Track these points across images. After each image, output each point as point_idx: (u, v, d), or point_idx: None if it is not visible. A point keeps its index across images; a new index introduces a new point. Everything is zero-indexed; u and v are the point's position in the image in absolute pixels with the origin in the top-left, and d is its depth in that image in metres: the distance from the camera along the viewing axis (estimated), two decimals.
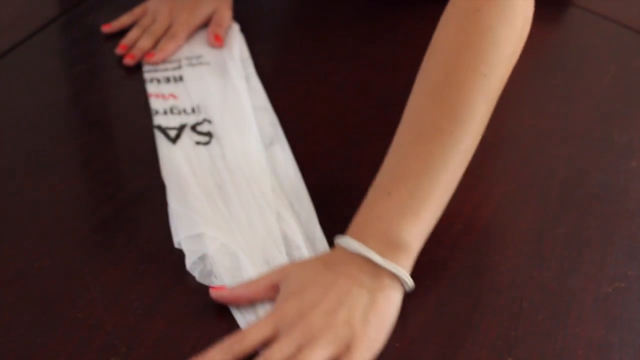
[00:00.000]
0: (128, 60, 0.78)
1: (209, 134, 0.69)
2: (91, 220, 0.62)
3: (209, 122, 0.70)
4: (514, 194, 0.66)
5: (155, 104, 0.73)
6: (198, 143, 0.68)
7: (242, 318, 0.54)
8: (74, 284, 0.56)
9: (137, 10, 0.84)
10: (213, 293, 0.54)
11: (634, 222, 0.63)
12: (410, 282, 0.53)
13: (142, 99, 0.75)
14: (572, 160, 0.69)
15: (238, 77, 0.76)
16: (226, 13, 0.83)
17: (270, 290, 0.54)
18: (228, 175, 0.64)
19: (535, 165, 0.69)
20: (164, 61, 0.78)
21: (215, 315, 0.54)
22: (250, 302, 0.54)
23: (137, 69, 0.78)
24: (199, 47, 0.81)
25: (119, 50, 0.79)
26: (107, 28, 0.83)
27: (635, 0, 0.95)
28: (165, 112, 0.71)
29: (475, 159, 0.68)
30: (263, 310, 0.54)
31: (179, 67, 0.78)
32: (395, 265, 0.52)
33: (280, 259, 0.57)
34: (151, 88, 0.75)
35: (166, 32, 0.81)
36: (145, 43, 0.79)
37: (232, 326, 0.53)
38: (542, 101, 0.78)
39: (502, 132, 0.72)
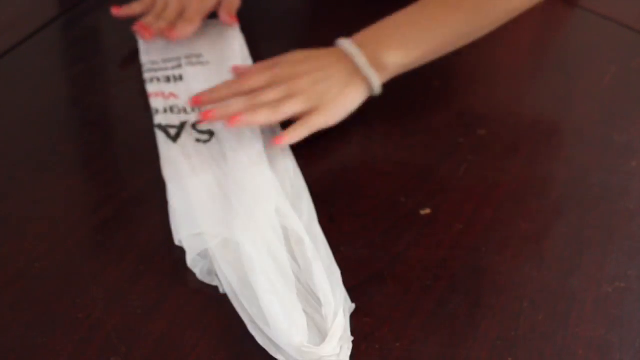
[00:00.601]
0: (145, 34, 0.79)
1: (209, 132, 0.69)
2: (91, 220, 0.62)
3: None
4: (514, 194, 0.66)
5: (155, 103, 0.73)
6: (198, 141, 0.68)
7: (244, 314, 0.54)
8: (74, 284, 0.56)
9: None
10: (232, 67, 0.74)
11: (634, 222, 0.63)
12: (378, 89, 0.70)
13: (142, 99, 0.75)
14: (572, 160, 0.69)
15: None
16: None
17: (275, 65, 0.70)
18: (229, 173, 0.64)
19: (535, 165, 0.69)
20: (178, 39, 0.79)
21: (215, 315, 0.54)
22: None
23: (137, 69, 0.79)
24: (199, 45, 0.81)
25: (136, 27, 0.80)
26: (116, 10, 0.82)
27: (635, 0, 0.95)
28: (165, 111, 0.71)
29: (475, 159, 0.68)
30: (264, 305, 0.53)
31: (179, 66, 0.78)
32: (373, 72, 0.69)
33: (282, 251, 0.57)
34: (151, 87, 0.75)
35: (178, 18, 0.81)
36: (161, 25, 0.80)
37: (232, 326, 0.53)
38: (542, 101, 0.78)
39: (502, 132, 0.72)
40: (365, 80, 0.69)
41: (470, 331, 0.54)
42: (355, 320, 0.54)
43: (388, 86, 0.77)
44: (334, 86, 0.68)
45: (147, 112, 0.72)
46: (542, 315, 0.55)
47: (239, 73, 0.72)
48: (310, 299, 0.54)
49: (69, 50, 0.84)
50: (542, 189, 0.66)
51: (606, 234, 0.62)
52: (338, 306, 0.53)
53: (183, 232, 0.59)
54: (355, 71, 0.69)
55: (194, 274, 0.57)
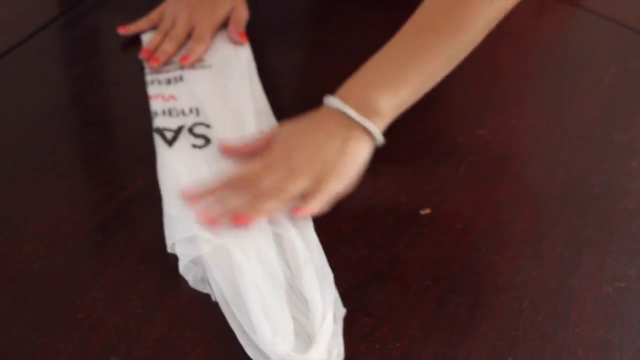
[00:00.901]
0: (153, 64, 0.77)
1: (205, 138, 0.68)
2: (91, 220, 0.62)
3: (207, 126, 0.70)
4: (514, 194, 0.66)
5: (155, 105, 0.72)
6: (194, 146, 0.67)
7: (234, 324, 0.53)
8: (74, 284, 0.56)
9: (153, 16, 0.83)
10: (221, 147, 0.67)
11: (634, 222, 0.63)
12: (379, 137, 0.64)
13: (142, 99, 0.75)
14: (572, 160, 0.69)
15: (241, 80, 0.75)
16: (243, 12, 0.84)
17: (267, 145, 0.65)
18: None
19: (535, 165, 0.69)
20: (191, 64, 0.78)
21: (215, 316, 0.54)
22: (249, 156, 0.65)
23: (137, 69, 0.79)
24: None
25: (142, 56, 0.79)
26: (123, 30, 0.82)
27: (635, 0, 0.95)
28: (164, 113, 0.71)
29: (475, 159, 0.68)
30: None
31: (181, 68, 0.78)
32: (367, 121, 0.63)
33: (273, 257, 0.57)
34: (152, 90, 0.75)
35: (187, 35, 0.81)
36: (168, 47, 0.79)
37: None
38: (542, 101, 0.78)
39: (502, 132, 0.72)
40: (364, 131, 0.64)
41: (470, 331, 0.54)
42: (355, 320, 0.54)
43: None
44: (332, 150, 0.63)
45: (147, 112, 0.72)
46: (542, 315, 0.55)
47: (228, 152, 0.67)
48: (301, 305, 0.54)
49: (69, 50, 0.84)
50: (542, 189, 0.66)
51: (606, 234, 0.62)
52: (327, 309, 0.52)
53: (176, 235, 0.58)
54: (350, 125, 0.64)
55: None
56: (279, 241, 0.59)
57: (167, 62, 0.78)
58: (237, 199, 0.60)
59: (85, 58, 0.82)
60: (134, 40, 0.82)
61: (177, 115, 0.71)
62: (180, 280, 0.57)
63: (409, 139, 0.71)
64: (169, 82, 0.76)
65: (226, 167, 0.65)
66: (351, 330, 0.53)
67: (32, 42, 0.82)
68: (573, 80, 0.81)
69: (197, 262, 0.57)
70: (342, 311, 0.54)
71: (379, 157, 0.69)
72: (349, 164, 0.63)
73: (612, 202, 0.65)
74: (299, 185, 0.61)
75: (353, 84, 0.66)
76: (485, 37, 0.72)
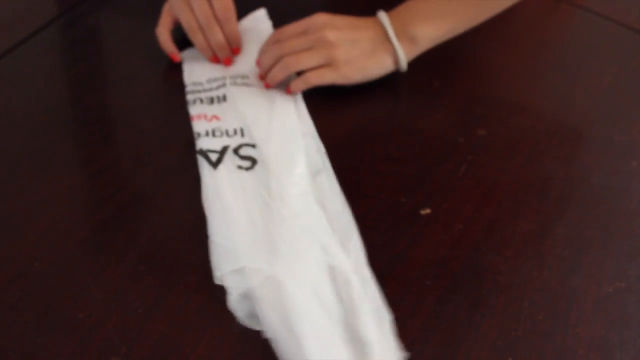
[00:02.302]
0: (227, 65, 0.78)
1: (251, 159, 0.66)
2: (91, 220, 0.62)
3: (253, 146, 0.67)
4: (514, 194, 0.66)
5: (197, 126, 0.70)
6: (240, 167, 0.65)
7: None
8: (74, 284, 0.56)
9: (164, 20, 0.80)
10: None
11: (634, 222, 0.63)
12: (404, 63, 0.74)
13: (142, 99, 0.75)
14: (572, 160, 0.69)
15: (286, 100, 0.73)
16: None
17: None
18: (272, 204, 0.61)
19: (535, 165, 0.69)
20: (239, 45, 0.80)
21: (215, 315, 0.54)
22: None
23: (137, 69, 0.78)
24: (245, 66, 0.78)
25: (212, 60, 0.79)
26: (178, 59, 0.80)
27: (635, 0, 0.95)
28: (207, 134, 0.68)
29: (475, 159, 0.68)
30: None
31: (223, 86, 0.75)
32: (399, 44, 0.72)
33: (327, 292, 0.54)
34: (194, 110, 0.72)
35: (212, 6, 0.78)
36: (215, 36, 0.78)
37: (232, 326, 0.53)
38: (542, 101, 0.78)
39: (502, 132, 0.72)
40: (393, 52, 0.73)
41: (470, 331, 0.54)
42: None
43: (388, 85, 0.77)
44: (357, 49, 0.72)
45: (146, 112, 0.72)
46: (542, 315, 0.55)
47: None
48: (358, 346, 0.51)
49: (69, 50, 0.84)
50: (542, 189, 0.66)
51: (606, 234, 0.62)
52: (385, 356, 0.50)
53: (224, 267, 0.55)
54: (385, 41, 0.73)
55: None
56: (332, 274, 0.55)
57: (210, 79, 0.76)
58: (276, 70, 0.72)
59: (85, 58, 0.82)
60: (134, 41, 0.82)
61: (221, 135, 0.68)
62: (181, 280, 0.57)
63: (409, 139, 0.71)
64: (211, 101, 0.73)
65: (274, 190, 0.62)
66: None
67: (32, 42, 0.82)
68: (573, 80, 0.81)
69: (246, 295, 0.54)
70: (405, 355, 0.51)
71: (380, 156, 0.69)
72: (357, 69, 0.72)
73: (612, 202, 0.65)
74: (310, 60, 0.71)
75: (402, 10, 0.74)
76: (486, 38, 0.72)
